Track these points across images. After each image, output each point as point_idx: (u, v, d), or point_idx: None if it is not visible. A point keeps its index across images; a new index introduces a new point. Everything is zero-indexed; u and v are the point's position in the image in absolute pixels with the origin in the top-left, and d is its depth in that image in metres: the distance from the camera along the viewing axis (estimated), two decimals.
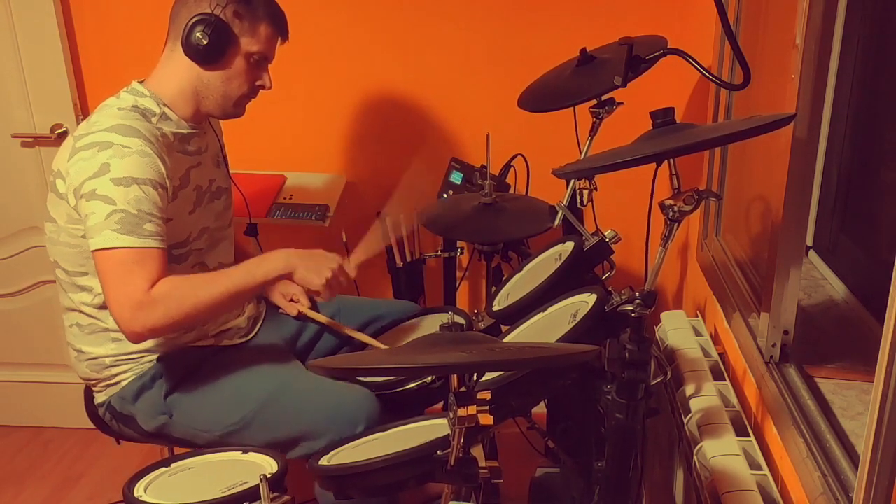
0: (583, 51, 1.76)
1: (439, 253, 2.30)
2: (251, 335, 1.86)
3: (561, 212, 1.71)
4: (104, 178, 1.50)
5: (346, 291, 2.36)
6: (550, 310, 1.58)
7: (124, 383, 1.69)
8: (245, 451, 1.54)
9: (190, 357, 1.71)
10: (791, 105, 1.32)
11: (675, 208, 1.23)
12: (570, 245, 1.71)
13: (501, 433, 2.04)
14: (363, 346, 1.93)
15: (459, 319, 1.53)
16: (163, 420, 1.68)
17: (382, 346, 1.89)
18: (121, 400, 1.70)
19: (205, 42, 1.58)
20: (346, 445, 1.53)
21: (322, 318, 1.95)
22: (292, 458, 1.62)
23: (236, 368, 1.72)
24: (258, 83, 1.69)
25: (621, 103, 1.71)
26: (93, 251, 1.52)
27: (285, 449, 1.63)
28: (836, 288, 1.63)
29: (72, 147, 1.56)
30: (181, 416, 1.68)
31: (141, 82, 1.66)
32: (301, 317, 1.96)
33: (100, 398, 1.74)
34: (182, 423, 1.68)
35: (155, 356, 1.68)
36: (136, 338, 1.55)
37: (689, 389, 1.56)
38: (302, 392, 1.67)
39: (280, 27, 1.67)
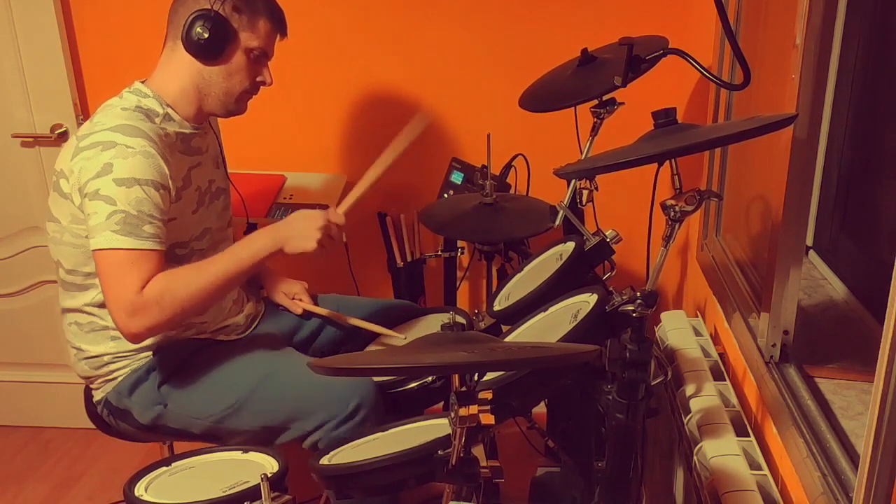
0: (584, 51, 1.77)
1: (439, 253, 2.30)
2: (248, 332, 1.86)
3: (562, 212, 1.71)
4: (107, 178, 1.50)
5: (347, 291, 2.38)
6: (551, 310, 1.57)
7: (120, 378, 1.70)
8: (245, 451, 1.54)
9: (184, 348, 1.72)
10: (791, 105, 1.32)
11: (677, 208, 1.23)
12: (570, 245, 1.71)
13: (502, 433, 2.04)
14: (365, 339, 1.94)
15: (460, 319, 1.53)
16: (158, 410, 1.68)
17: (387, 332, 1.90)
18: (117, 395, 1.70)
19: (205, 36, 1.58)
20: (347, 445, 1.52)
21: (326, 312, 1.96)
22: (287, 440, 1.63)
23: (229, 356, 1.73)
24: (259, 79, 1.69)
25: (622, 103, 1.71)
26: (93, 251, 1.52)
27: (279, 432, 1.63)
28: (836, 288, 1.63)
29: (75, 146, 1.56)
30: (175, 405, 1.68)
31: (143, 82, 1.66)
32: (306, 314, 1.96)
33: (98, 395, 1.74)
34: (176, 412, 1.69)
35: (151, 351, 1.69)
36: (134, 339, 1.55)
37: (690, 389, 1.56)
38: (293, 373, 1.67)
39: (278, 23, 1.68)
